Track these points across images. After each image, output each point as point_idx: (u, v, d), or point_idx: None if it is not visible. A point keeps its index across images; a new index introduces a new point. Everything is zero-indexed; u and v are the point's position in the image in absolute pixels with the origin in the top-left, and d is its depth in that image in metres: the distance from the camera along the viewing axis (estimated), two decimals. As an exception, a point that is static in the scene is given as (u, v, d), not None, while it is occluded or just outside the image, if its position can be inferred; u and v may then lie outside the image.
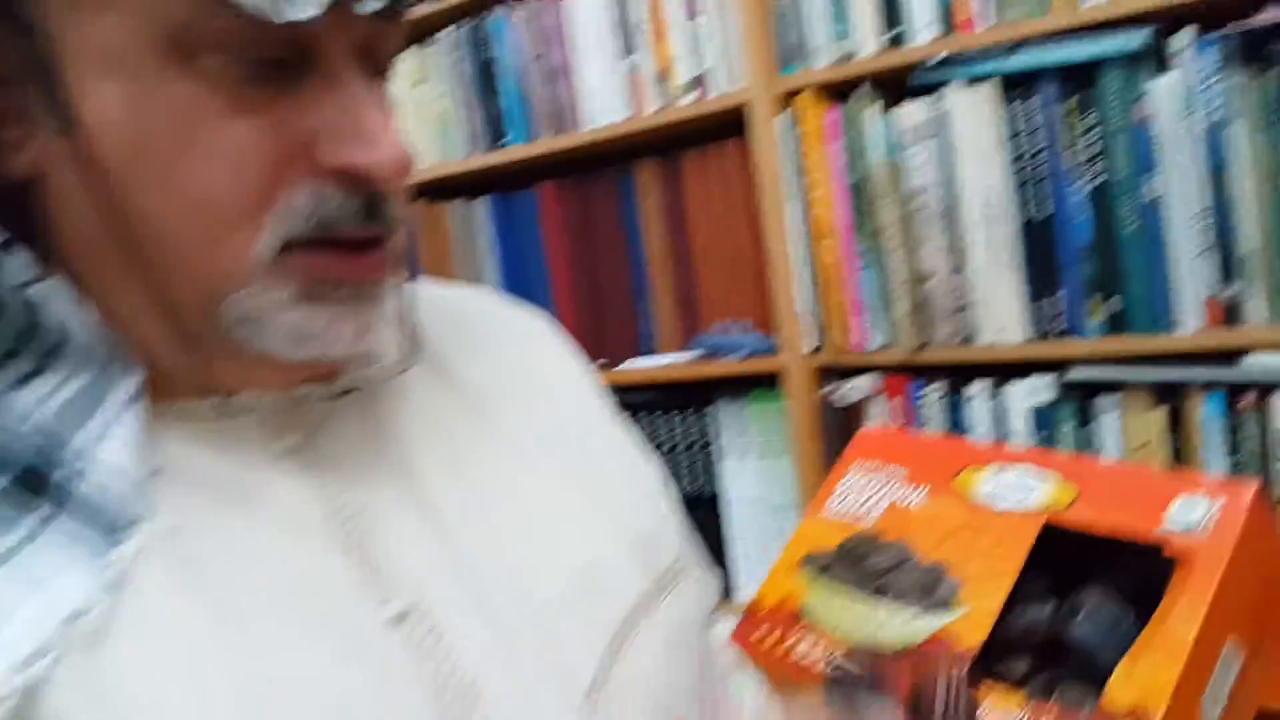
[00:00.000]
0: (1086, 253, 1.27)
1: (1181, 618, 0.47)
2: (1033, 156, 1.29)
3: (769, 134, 1.45)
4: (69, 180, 0.48)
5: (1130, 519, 0.51)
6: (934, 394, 1.41)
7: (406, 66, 1.80)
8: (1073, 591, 0.52)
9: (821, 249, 1.45)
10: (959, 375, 1.40)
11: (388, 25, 0.50)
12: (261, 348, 0.50)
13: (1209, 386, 1.23)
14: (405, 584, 0.52)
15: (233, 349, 0.50)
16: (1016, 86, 1.29)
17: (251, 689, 0.46)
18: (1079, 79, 1.24)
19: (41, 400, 0.48)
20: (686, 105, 1.54)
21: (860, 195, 1.40)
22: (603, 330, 1.72)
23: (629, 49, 1.59)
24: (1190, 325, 1.23)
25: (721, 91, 1.51)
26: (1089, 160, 1.25)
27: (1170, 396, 1.26)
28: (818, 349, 1.48)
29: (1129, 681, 0.46)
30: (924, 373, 1.42)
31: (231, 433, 0.53)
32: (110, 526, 0.47)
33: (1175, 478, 0.54)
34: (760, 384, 1.58)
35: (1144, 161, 1.22)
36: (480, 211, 1.82)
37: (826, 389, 1.49)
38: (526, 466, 0.61)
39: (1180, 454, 1.25)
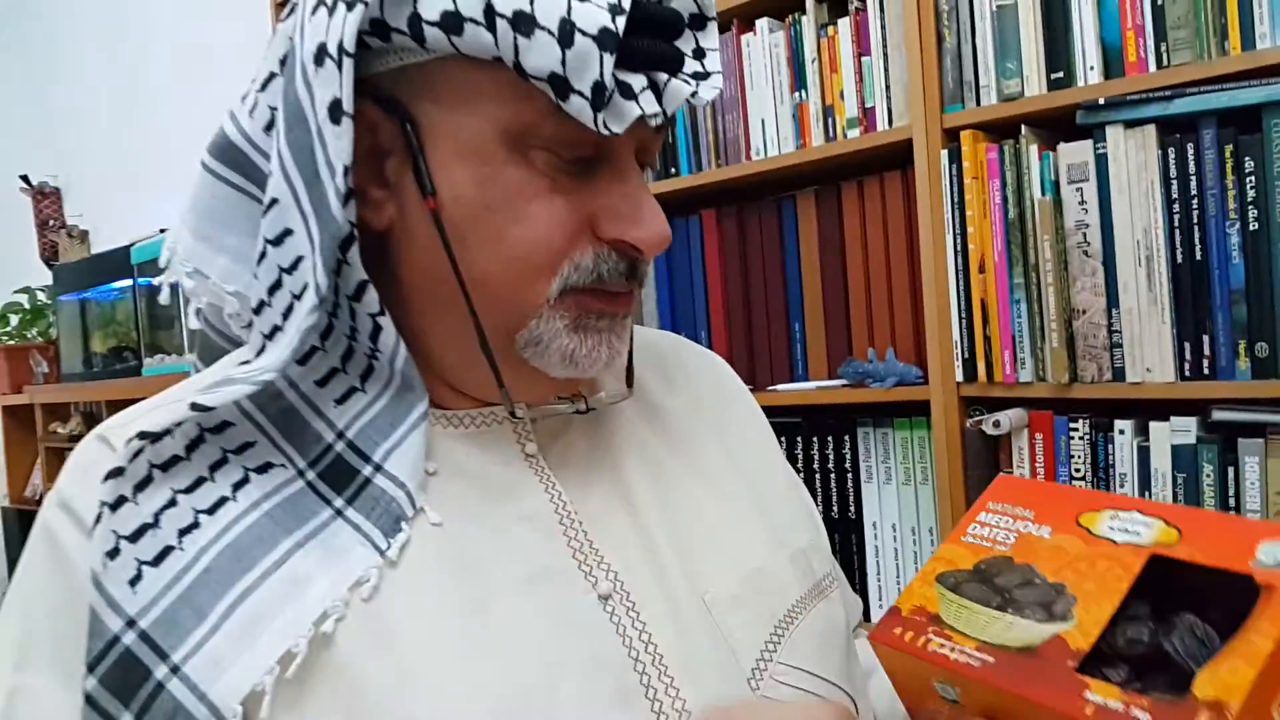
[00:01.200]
0: (1238, 296, 1.29)
1: (1261, 632, 0.53)
2: (1189, 199, 1.31)
3: (931, 169, 1.51)
4: (420, 236, 0.63)
5: (1224, 556, 0.58)
6: (1080, 429, 1.44)
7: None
8: (1173, 614, 0.60)
9: (976, 283, 1.49)
10: (1105, 412, 1.43)
11: (659, 133, 0.65)
12: (539, 365, 0.65)
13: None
14: (611, 569, 0.66)
15: (517, 367, 0.65)
16: (1177, 129, 1.32)
17: (490, 646, 0.59)
18: (1240, 123, 1.27)
19: (356, 415, 0.64)
20: (852, 139, 1.62)
21: (1017, 231, 1.45)
22: (755, 354, 1.80)
23: (799, 84, 1.68)
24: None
25: (887, 127, 1.58)
26: (1245, 205, 1.28)
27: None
28: (966, 380, 1.53)
29: (1212, 679, 0.52)
30: (1071, 408, 1.45)
31: (490, 438, 0.68)
32: (393, 519, 0.62)
33: (1264, 525, 0.60)
34: (907, 411, 1.62)
35: (1303, 208, 1.24)
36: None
37: (973, 419, 1.52)
38: (711, 486, 0.74)
39: (1328, 500, 1.25)
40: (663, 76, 0.60)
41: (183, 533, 0.59)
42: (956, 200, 1.50)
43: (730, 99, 1.75)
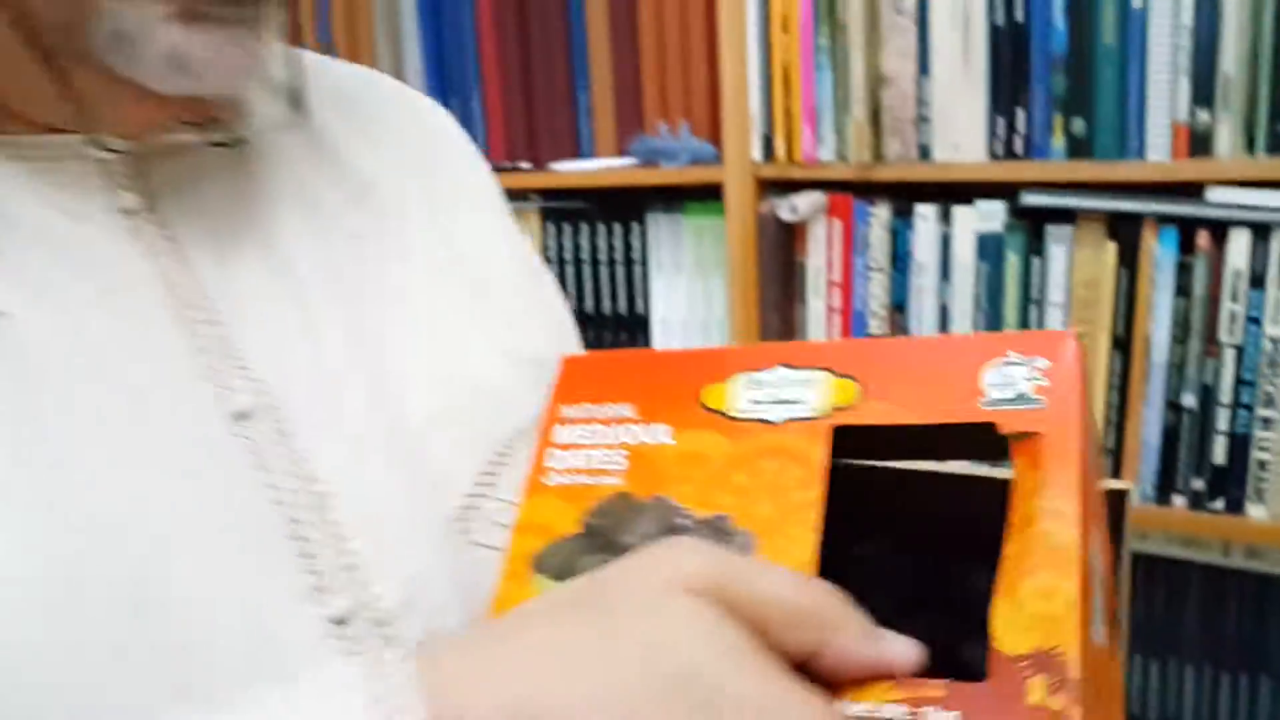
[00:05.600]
0: (1058, 65, 1.17)
1: (1050, 515, 0.36)
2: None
3: (732, -93, 1.32)
4: None
5: (936, 403, 0.41)
6: (880, 215, 1.31)
7: None
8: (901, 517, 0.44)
9: (778, 44, 1.32)
10: (909, 197, 1.31)
11: None
12: (131, 74, 0.43)
13: (1166, 221, 1.14)
14: (254, 376, 0.46)
15: (97, 74, 0.43)
16: None
17: (58, 487, 0.40)
18: None
19: None
20: None
21: (825, -16, 1.28)
22: (534, 126, 1.60)
23: None
24: (1156, 153, 1.14)
25: None
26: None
27: (1126, 231, 1.17)
28: (764, 160, 1.38)
29: (1019, 615, 0.35)
30: (872, 192, 1.33)
31: (69, 182, 0.45)
32: None
33: (967, 344, 0.42)
34: (699, 195, 1.47)
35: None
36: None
37: (769, 204, 1.38)
38: (414, 273, 0.54)
39: (1129, 292, 1.17)
40: None
41: None
42: (760, -55, 1.31)
43: None
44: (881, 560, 0.46)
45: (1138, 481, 1.21)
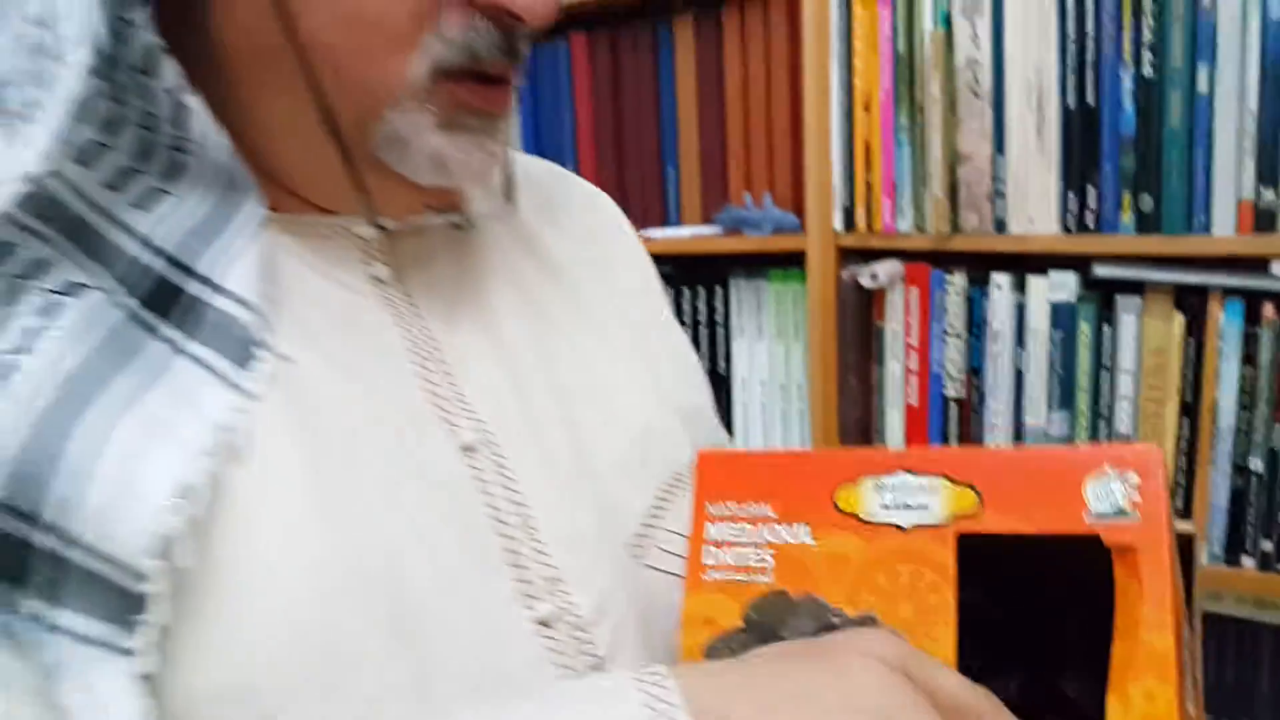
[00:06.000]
0: (1127, 145, 1.23)
1: (1151, 625, 0.43)
2: (1085, 39, 1.23)
3: (818, -5, 1.40)
4: None
5: (1048, 515, 0.46)
6: (956, 283, 1.38)
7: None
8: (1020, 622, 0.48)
9: (860, 122, 1.40)
10: (984, 266, 1.37)
11: None
12: (400, 169, 0.53)
13: (1231, 293, 1.19)
14: (477, 417, 0.55)
15: (372, 167, 0.53)
16: (1077, -36, 1.23)
17: (335, 505, 0.49)
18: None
19: (162, 220, 0.49)
20: (736, -40, 1.49)
21: (905, 68, 1.36)
22: (625, 195, 1.68)
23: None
24: (1222, 228, 1.19)
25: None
26: (1141, 49, 1.20)
27: (1192, 302, 1.22)
28: (845, 230, 1.45)
29: (1129, 713, 0.42)
30: (949, 261, 1.39)
31: (333, 255, 0.56)
32: (241, 345, 0.49)
33: (1068, 457, 0.47)
34: (782, 263, 1.54)
35: (1199, 53, 1.17)
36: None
37: (849, 271, 1.45)
38: (597, 334, 0.65)
39: (1196, 362, 1.22)
40: None
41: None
42: (844, 31, 1.39)
43: (608, -87, 1.60)
44: (974, 608, 0.50)
45: (1207, 542, 1.25)
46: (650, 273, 0.75)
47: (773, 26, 1.50)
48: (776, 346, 1.58)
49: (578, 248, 0.68)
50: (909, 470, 0.49)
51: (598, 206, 0.75)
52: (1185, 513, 1.26)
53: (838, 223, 1.45)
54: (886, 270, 1.42)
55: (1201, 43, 1.17)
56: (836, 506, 0.50)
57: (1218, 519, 1.24)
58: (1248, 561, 1.23)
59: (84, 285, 0.47)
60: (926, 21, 1.33)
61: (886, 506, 0.49)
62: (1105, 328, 1.28)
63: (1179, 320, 1.23)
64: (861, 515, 0.49)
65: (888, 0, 1.35)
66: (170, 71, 0.48)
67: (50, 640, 0.43)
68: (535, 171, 0.71)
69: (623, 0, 1.61)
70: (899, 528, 0.48)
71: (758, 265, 1.57)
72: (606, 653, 0.54)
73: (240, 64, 0.51)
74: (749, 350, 1.60)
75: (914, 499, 0.48)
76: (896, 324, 1.43)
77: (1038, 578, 0.49)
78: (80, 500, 0.43)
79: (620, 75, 1.67)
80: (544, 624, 0.52)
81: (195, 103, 0.49)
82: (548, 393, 0.59)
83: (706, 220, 1.62)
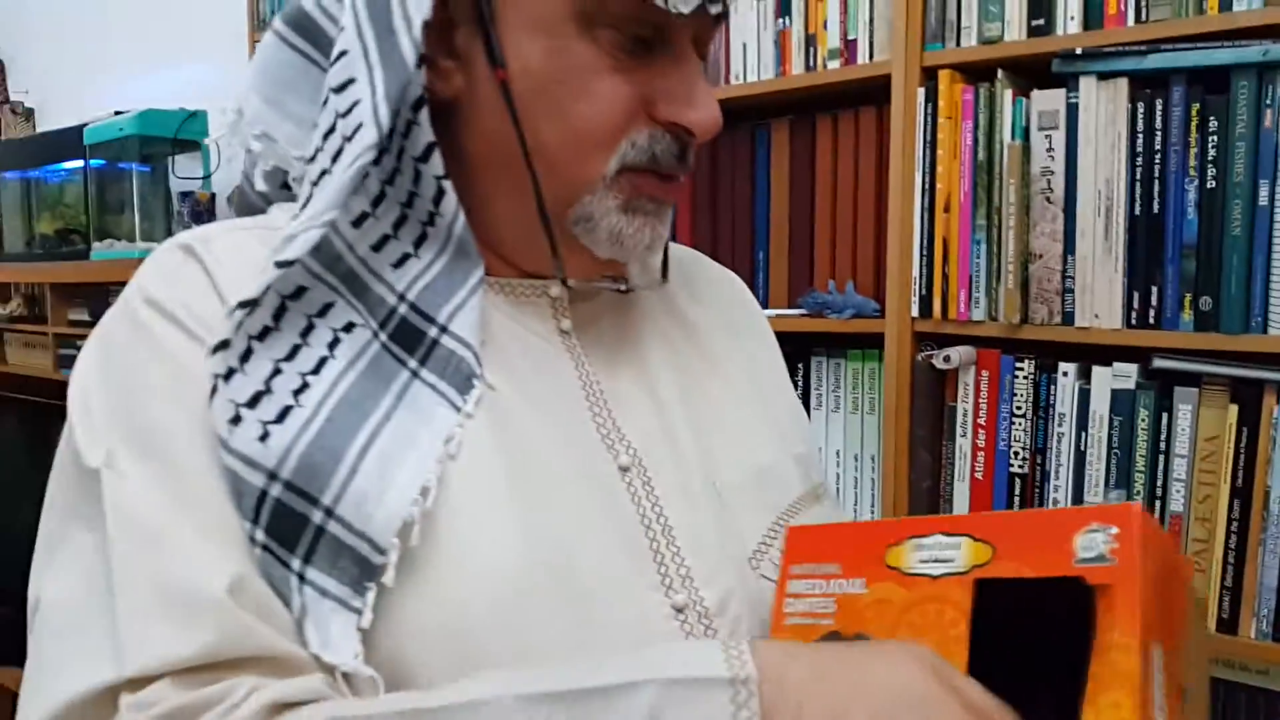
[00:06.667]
0: (1189, 251, 1.34)
1: (1119, 647, 0.52)
2: (1153, 154, 1.35)
3: (907, 106, 1.54)
4: (486, 106, 0.66)
5: (1045, 561, 0.56)
6: (1025, 369, 1.49)
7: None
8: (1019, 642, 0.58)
9: (940, 221, 1.53)
10: (1051, 354, 1.48)
11: (717, 24, 0.68)
12: (587, 242, 0.68)
13: (1284, 387, 1.29)
14: (631, 445, 0.70)
15: (565, 239, 0.68)
16: (1148, 84, 1.35)
17: (531, 497, 0.64)
18: (1209, 83, 1.31)
19: (414, 279, 0.66)
20: (832, 70, 1.64)
21: (984, 174, 1.49)
22: (718, 275, 1.81)
23: (784, 10, 1.69)
24: (1277, 329, 1.29)
25: (867, 60, 1.60)
26: (1206, 163, 1.32)
27: (1247, 394, 1.32)
28: (921, 316, 1.57)
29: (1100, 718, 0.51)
30: (1019, 348, 1.50)
31: (530, 311, 0.72)
32: (464, 378, 0.65)
33: (1068, 514, 0.58)
34: (861, 343, 1.66)
35: (1261, 170, 1.29)
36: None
37: (924, 353, 1.57)
38: (727, 387, 0.79)
39: (1247, 450, 1.32)
40: None
41: (296, 393, 0.60)
42: (929, 139, 1.53)
43: (713, 22, 1.75)
44: (983, 636, 0.60)
45: (1256, 620, 1.34)
46: (771, 340, 0.90)
47: (862, 133, 1.65)
48: (853, 420, 1.70)
49: (713, 315, 0.83)
50: (944, 532, 0.61)
51: (729, 283, 0.91)
52: (1235, 589, 1.35)
53: (915, 310, 1.57)
54: (960, 354, 1.53)
55: (1264, 159, 1.28)
56: (886, 564, 0.62)
57: (1267, 598, 1.32)
58: (1294, 638, 1.32)
59: (354, 324, 0.64)
60: (1006, 134, 1.46)
61: (924, 561, 0.60)
62: (1163, 415, 1.38)
63: (1233, 411, 1.32)
64: (904, 569, 0.61)
65: (970, 114, 1.49)
66: (438, 162, 0.65)
67: (298, 588, 0.58)
68: (679, 253, 0.87)
69: (725, 104, 1.76)
70: (931, 577, 0.60)
71: (838, 345, 1.70)
72: (726, 639, 0.66)
73: (480, 162, 0.68)
74: (826, 421, 1.72)
75: (944, 554, 0.60)
76: (967, 404, 1.54)
77: (1034, 611, 0.59)
78: (348, 489, 0.59)
79: (718, 170, 1.81)
80: (678, 610, 0.65)
81: (450, 186, 0.65)
82: (687, 429, 0.73)
83: (792, 304, 1.75)
